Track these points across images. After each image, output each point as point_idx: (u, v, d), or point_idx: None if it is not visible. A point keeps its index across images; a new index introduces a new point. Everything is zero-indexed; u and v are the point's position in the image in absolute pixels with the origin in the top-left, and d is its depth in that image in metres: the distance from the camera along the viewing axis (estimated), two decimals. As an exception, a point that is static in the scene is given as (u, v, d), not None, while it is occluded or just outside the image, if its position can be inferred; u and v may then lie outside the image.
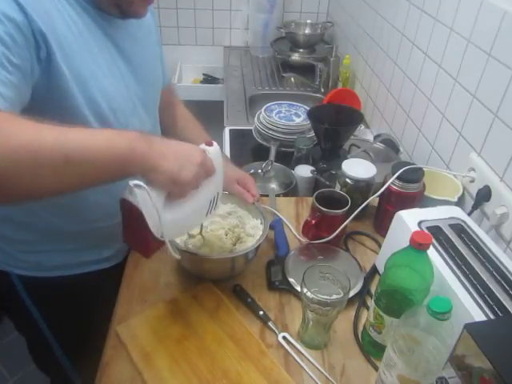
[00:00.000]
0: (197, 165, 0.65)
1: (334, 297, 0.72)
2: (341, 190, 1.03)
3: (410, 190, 0.95)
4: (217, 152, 0.72)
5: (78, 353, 1.04)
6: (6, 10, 0.60)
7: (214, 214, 0.94)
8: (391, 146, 1.34)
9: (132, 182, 0.61)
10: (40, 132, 0.55)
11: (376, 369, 0.75)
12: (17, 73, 0.61)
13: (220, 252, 0.88)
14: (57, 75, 0.68)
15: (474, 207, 0.94)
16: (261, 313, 0.83)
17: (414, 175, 0.96)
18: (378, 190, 0.98)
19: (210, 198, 0.74)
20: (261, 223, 0.93)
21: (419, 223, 0.82)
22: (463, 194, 1.01)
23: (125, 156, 0.59)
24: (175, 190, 0.65)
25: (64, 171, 0.56)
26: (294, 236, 1.02)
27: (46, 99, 0.70)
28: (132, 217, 0.63)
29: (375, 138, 1.43)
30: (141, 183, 0.61)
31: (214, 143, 0.72)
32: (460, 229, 0.83)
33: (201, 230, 0.87)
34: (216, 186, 0.75)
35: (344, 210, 0.95)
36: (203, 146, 0.71)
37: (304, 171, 1.23)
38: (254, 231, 0.92)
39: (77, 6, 0.72)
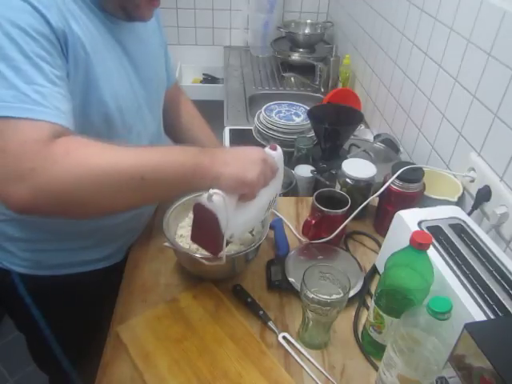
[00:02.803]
0: (259, 163, 0.68)
1: (334, 297, 0.72)
2: (341, 189, 1.03)
3: (410, 190, 0.95)
4: (279, 156, 0.76)
5: (77, 352, 1.04)
6: (35, 24, 0.61)
7: None
8: (391, 145, 1.34)
9: (212, 190, 0.66)
10: (117, 156, 0.60)
11: (376, 369, 0.75)
12: (63, 84, 0.64)
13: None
14: (71, 76, 0.69)
15: (474, 207, 0.94)
16: (261, 313, 0.83)
17: (413, 175, 0.96)
18: (377, 190, 0.98)
19: (270, 200, 0.78)
20: (260, 222, 0.93)
21: (419, 223, 0.82)
22: (463, 193, 1.01)
23: (192, 171, 0.65)
24: (246, 190, 0.69)
25: (140, 191, 0.63)
26: (294, 236, 1.02)
27: None
28: (206, 220, 0.68)
29: (375, 137, 1.43)
30: (218, 191, 0.65)
31: (278, 147, 0.76)
32: (460, 229, 0.83)
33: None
34: (277, 187, 0.79)
35: (344, 209, 0.95)
36: (267, 149, 0.75)
37: (304, 171, 1.23)
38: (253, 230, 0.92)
39: (85, 8, 0.73)
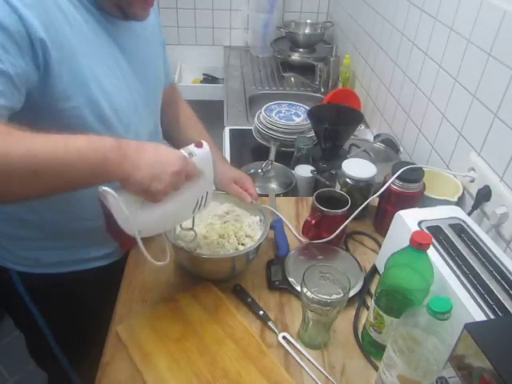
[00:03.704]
0: (171, 174, 0.65)
1: (334, 297, 0.72)
2: (341, 189, 1.03)
3: (410, 190, 0.95)
4: (205, 153, 0.72)
5: (76, 351, 1.04)
6: (1, 18, 0.60)
7: (214, 216, 0.95)
8: (391, 145, 1.34)
9: (101, 188, 0.63)
10: (10, 145, 0.56)
11: (376, 369, 0.75)
12: (5, 80, 0.61)
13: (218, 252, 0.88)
14: (56, 77, 0.68)
15: (474, 207, 0.94)
16: (261, 313, 0.83)
17: (413, 175, 0.96)
18: (378, 190, 0.98)
19: (196, 198, 0.75)
20: (260, 220, 0.93)
21: (419, 223, 0.82)
22: (463, 193, 1.01)
23: (97, 168, 0.61)
24: (147, 198, 0.66)
25: (33, 183, 0.58)
26: (294, 236, 1.02)
27: (43, 101, 0.69)
28: (108, 213, 0.66)
29: (375, 137, 1.43)
30: (110, 191, 0.62)
31: (204, 144, 0.72)
32: (460, 229, 0.83)
33: (192, 225, 0.87)
34: (203, 187, 0.75)
35: (344, 209, 0.95)
36: (192, 146, 0.71)
37: (304, 171, 1.23)
38: (252, 230, 0.92)
39: (80, 7, 0.73)
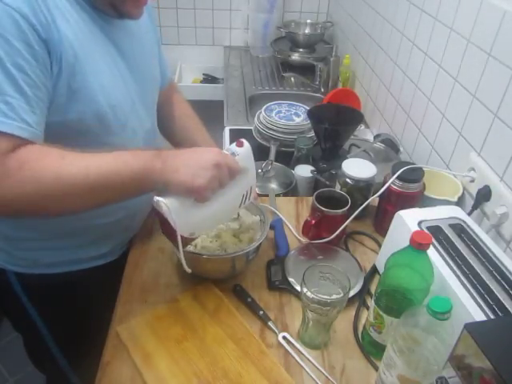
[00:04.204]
0: (211, 168, 0.69)
1: (334, 297, 0.72)
2: (341, 189, 1.03)
3: (410, 190, 0.95)
4: (247, 151, 0.76)
5: (75, 351, 1.04)
6: (17, 30, 0.62)
7: None
8: (391, 145, 1.34)
9: (156, 198, 0.69)
10: (65, 166, 0.64)
11: (376, 369, 0.75)
12: (37, 94, 0.65)
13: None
14: (56, 74, 0.69)
15: (474, 207, 0.94)
16: (261, 313, 0.83)
17: (413, 175, 0.96)
18: (378, 190, 0.98)
19: (241, 194, 0.79)
20: (260, 221, 0.93)
21: (419, 223, 0.82)
22: (463, 193, 1.01)
23: (141, 177, 0.67)
24: (195, 196, 0.70)
25: (89, 198, 0.67)
26: (294, 236, 1.02)
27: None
28: (162, 219, 0.72)
29: (375, 137, 1.43)
30: (161, 199, 0.69)
31: (245, 143, 0.76)
32: (460, 229, 0.83)
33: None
34: (247, 183, 0.79)
35: (344, 209, 0.95)
36: (233, 146, 0.75)
37: (304, 171, 1.23)
38: (252, 228, 0.92)
39: (76, 5, 0.73)
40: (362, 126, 1.63)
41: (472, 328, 0.57)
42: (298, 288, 0.83)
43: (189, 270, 0.78)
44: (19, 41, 0.62)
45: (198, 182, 0.68)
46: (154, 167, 0.67)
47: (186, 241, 0.77)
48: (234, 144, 0.76)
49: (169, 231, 0.73)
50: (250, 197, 0.82)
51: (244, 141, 0.76)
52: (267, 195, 1.14)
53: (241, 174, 0.75)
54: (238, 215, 0.92)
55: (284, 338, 0.79)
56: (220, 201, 0.74)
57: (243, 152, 0.75)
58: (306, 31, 2.30)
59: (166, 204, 0.68)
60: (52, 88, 0.69)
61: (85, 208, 0.70)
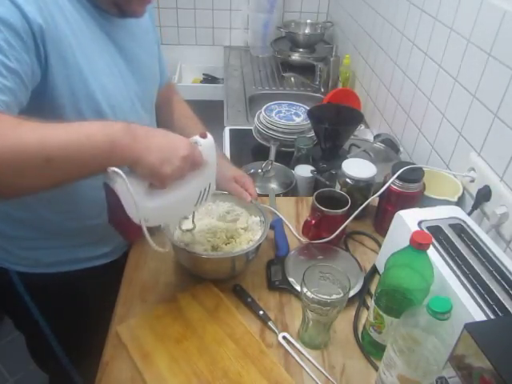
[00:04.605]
0: (180, 159, 0.65)
1: (334, 297, 0.72)
2: (341, 189, 1.03)
3: (410, 190, 0.95)
4: (210, 144, 0.73)
5: (77, 350, 1.04)
6: (4, 14, 0.60)
7: (214, 216, 0.95)
8: (391, 145, 1.34)
9: (110, 169, 0.61)
10: (21, 135, 0.56)
11: (376, 369, 0.75)
12: (14, 77, 0.62)
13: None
14: (55, 72, 0.69)
15: (474, 207, 0.94)
16: (261, 313, 0.83)
17: (413, 175, 0.96)
18: (378, 190, 0.98)
19: (199, 189, 0.75)
20: (260, 221, 0.93)
21: (419, 223, 0.82)
22: (463, 193, 1.01)
23: (106, 152, 0.60)
24: (155, 182, 0.66)
25: (46, 171, 0.58)
26: (294, 236, 1.02)
27: (42, 96, 0.70)
28: (113, 200, 0.65)
29: (375, 137, 1.43)
30: (119, 171, 0.62)
31: (209, 135, 0.73)
32: (460, 229, 0.83)
33: (193, 218, 0.87)
34: (207, 178, 0.75)
35: (344, 209, 0.95)
36: (196, 137, 0.72)
37: (304, 171, 1.23)
38: (252, 228, 0.92)
39: (77, 4, 0.73)
40: (362, 126, 1.63)
41: (472, 328, 0.57)
42: (298, 288, 0.83)
43: (160, 250, 0.73)
44: (5, 25, 0.61)
45: (164, 169, 0.64)
46: (121, 143, 0.61)
47: (135, 230, 0.69)
48: (198, 135, 0.72)
49: (116, 218, 0.68)
50: (208, 196, 0.77)
51: (208, 133, 0.73)
52: (267, 195, 1.14)
53: (201, 167, 0.72)
54: (193, 223, 0.87)
55: (284, 337, 0.79)
56: (176, 192, 0.70)
57: (206, 144, 0.72)
58: (306, 31, 2.30)
59: (125, 180, 0.62)
60: (51, 87, 0.69)
61: (43, 185, 0.62)
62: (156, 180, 0.66)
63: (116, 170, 0.62)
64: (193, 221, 0.87)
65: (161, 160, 0.63)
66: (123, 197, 0.64)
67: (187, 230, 0.87)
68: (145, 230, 0.67)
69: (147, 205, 0.67)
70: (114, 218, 0.70)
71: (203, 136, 0.72)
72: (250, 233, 0.92)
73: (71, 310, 0.96)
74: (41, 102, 0.70)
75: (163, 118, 1.07)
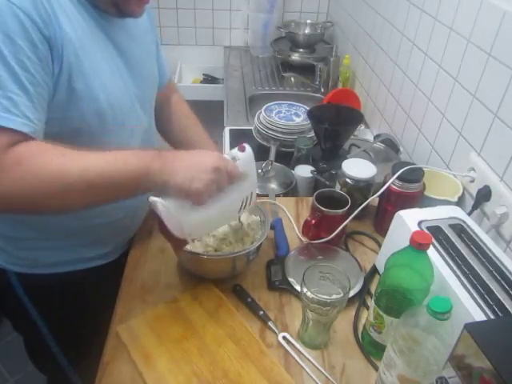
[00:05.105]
0: (210, 172, 0.69)
1: (334, 297, 0.72)
2: (341, 189, 1.03)
3: (410, 190, 0.95)
4: (248, 156, 0.76)
5: (76, 351, 1.04)
6: (20, 28, 0.62)
7: None
8: (391, 146, 1.34)
9: (151, 199, 0.69)
10: (66, 164, 0.64)
11: (376, 369, 0.75)
12: (39, 91, 0.66)
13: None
14: (58, 72, 0.69)
15: (474, 207, 0.94)
16: (261, 313, 0.83)
17: (414, 175, 0.96)
18: (378, 190, 0.98)
19: (241, 199, 0.79)
20: (260, 220, 0.93)
21: (419, 223, 0.82)
22: (463, 193, 1.01)
23: (140, 176, 0.67)
24: (191, 200, 0.70)
25: (87, 197, 0.67)
26: (294, 236, 1.02)
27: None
28: (160, 220, 0.72)
29: (375, 138, 1.43)
30: (157, 199, 0.69)
31: (247, 147, 0.76)
32: (460, 229, 0.83)
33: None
34: (248, 189, 0.79)
35: (344, 209, 0.95)
36: (235, 150, 0.75)
37: (304, 171, 1.23)
38: (252, 229, 0.92)
39: (77, 5, 0.73)
40: (362, 126, 1.63)
41: (472, 328, 0.57)
42: (298, 288, 0.83)
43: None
44: (23, 39, 0.62)
45: (195, 186, 0.67)
46: (153, 168, 0.67)
47: (183, 242, 0.77)
48: (236, 148, 0.75)
49: (166, 231, 0.73)
50: (251, 202, 0.81)
51: (246, 146, 0.76)
52: (267, 195, 1.14)
53: (241, 180, 0.74)
54: (240, 221, 0.91)
55: (284, 337, 0.79)
56: (218, 205, 0.74)
57: (244, 157, 0.75)
58: (306, 31, 2.30)
59: (163, 204, 0.68)
60: (53, 86, 0.69)
61: (82, 206, 0.70)
62: (191, 197, 0.69)
63: (155, 198, 0.69)
64: (239, 219, 0.90)
65: (189, 178, 0.68)
66: (166, 220, 0.71)
67: (236, 228, 0.90)
68: (190, 242, 0.76)
69: (190, 220, 0.72)
70: (164, 232, 0.76)
71: (241, 149, 0.75)
72: (251, 232, 0.92)
73: (70, 310, 0.96)
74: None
75: (163, 117, 1.08)
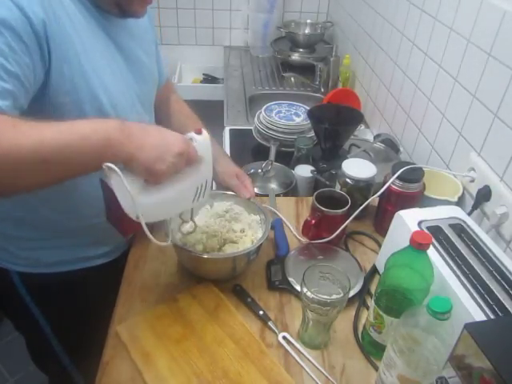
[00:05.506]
0: (174, 155, 0.66)
1: (334, 297, 0.72)
2: (341, 189, 1.03)
3: (410, 190, 0.95)
4: (205, 140, 0.73)
5: (77, 350, 1.04)
6: (6, 16, 0.61)
7: (212, 215, 0.95)
8: (391, 145, 1.34)
9: (106, 164, 0.62)
10: (18, 137, 0.57)
11: (376, 369, 0.75)
12: (14, 81, 0.62)
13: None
14: (57, 72, 0.69)
15: (474, 207, 0.94)
16: (261, 313, 0.83)
17: (413, 175, 0.96)
18: (378, 190, 0.98)
19: (196, 185, 0.75)
20: (260, 219, 0.93)
21: (419, 223, 0.82)
22: (463, 193, 1.01)
23: (101, 150, 0.61)
24: (150, 178, 0.67)
25: (42, 171, 0.60)
26: (294, 236, 1.02)
27: (44, 94, 0.70)
28: (109, 196, 0.66)
29: (375, 137, 1.43)
30: (114, 167, 0.62)
31: (204, 131, 0.73)
32: (460, 229, 0.83)
33: (191, 216, 0.86)
34: (203, 175, 0.75)
35: (344, 209, 0.95)
36: (192, 133, 0.72)
37: (304, 171, 1.23)
38: (252, 226, 0.93)
39: (79, 4, 0.73)
40: (362, 126, 1.63)
41: (472, 328, 0.57)
42: (298, 288, 0.83)
43: (161, 244, 0.74)
44: (7, 29, 0.61)
45: (158, 166, 0.65)
46: (115, 141, 0.62)
47: (132, 226, 0.70)
48: (193, 131, 0.73)
49: (114, 211, 0.68)
50: (205, 193, 0.77)
51: (203, 130, 0.74)
52: (267, 195, 1.14)
53: (196, 163, 0.72)
54: (194, 221, 0.87)
55: (284, 337, 0.79)
56: (173, 188, 0.71)
57: (201, 140, 0.72)
58: (306, 31, 2.30)
59: (119, 172, 0.62)
60: (54, 85, 0.69)
61: (39, 185, 0.63)
62: (150, 177, 0.66)
63: (111, 165, 0.62)
64: (193, 221, 0.87)
65: (154, 158, 0.64)
66: (119, 193, 0.65)
67: (189, 233, 0.87)
68: (143, 224, 0.68)
69: (143, 200, 0.67)
70: (111, 214, 0.71)
71: (198, 132, 0.72)
72: (250, 231, 0.92)
73: (71, 309, 0.96)
74: (43, 102, 0.70)
75: (161, 117, 1.08)
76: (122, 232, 0.73)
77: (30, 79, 0.65)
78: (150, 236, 0.70)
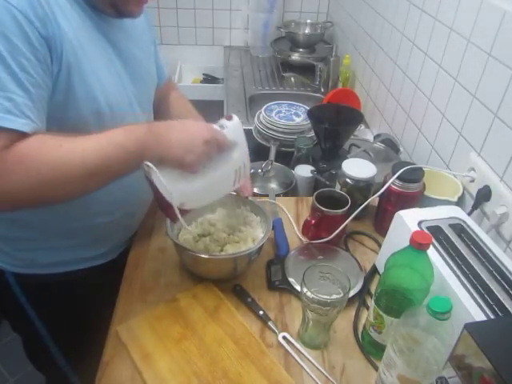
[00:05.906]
0: (202, 144, 0.71)
1: (334, 297, 0.72)
2: (341, 189, 1.03)
3: (410, 190, 0.95)
4: (236, 125, 0.78)
5: (75, 352, 1.04)
6: (18, 29, 0.62)
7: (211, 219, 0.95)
8: (391, 145, 1.34)
9: (144, 163, 0.69)
10: (64, 156, 0.65)
11: (376, 369, 0.75)
12: (39, 92, 0.66)
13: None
14: (57, 71, 0.69)
15: (474, 207, 0.94)
16: (261, 313, 0.83)
17: (413, 175, 0.96)
18: (378, 190, 0.98)
19: (233, 169, 0.80)
20: (261, 220, 0.93)
21: (419, 223, 0.82)
22: (463, 193, 1.01)
23: (135, 155, 0.69)
24: (185, 169, 0.73)
25: (88, 183, 0.68)
26: (294, 236, 1.02)
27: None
28: (154, 189, 0.73)
29: (375, 137, 1.43)
30: (150, 164, 0.69)
31: (234, 117, 0.78)
32: (460, 229, 0.83)
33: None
34: (239, 158, 0.80)
35: (344, 209, 0.95)
36: (223, 120, 0.77)
37: (304, 171, 1.23)
38: (252, 226, 0.93)
39: (75, 5, 0.73)
40: (362, 126, 1.63)
41: (472, 328, 0.57)
42: (298, 288, 0.83)
43: (188, 228, 0.85)
44: (21, 40, 0.62)
45: (188, 158, 0.71)
46: (147, 144, 0.69)
47: (179, 212, 0.76)
48: (224, 118, 0.77)
49: (160, 202, 0.74)
50: (244, 174, 0.83)
51: (234, 115, 0.78)
52: (267, 195, 1.14)
53: (230, 148, 0.76)
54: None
55: (284, 337, 0.79)
56: (211, 174, 0.76)
57: (232, 125, 0.77)
58: (306, 31, 2.30)
59: (155, 169, 0.69)
60: (52, 85, 0.69)
61: (86, 192, 0.72)
62: (184, 168, 0.73)
63: (148, 163, 0.69)
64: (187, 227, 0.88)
65: (182, 152, 0.70)
66: (160, 186, 0.71)
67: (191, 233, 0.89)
68: (177, 211, 0.74)
69: (183, 188, 0.74)
70: (160, 204, 0.77)
71: (229, 118, 0.77)
72: (251, 231, 0.92)
73: (69, 310, 0.95)
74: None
75: (162, 115, 1.07)
76: (171, 218, 0.80)
77: (48, 85, 0.69)
78: (182, 220, 0.76)
